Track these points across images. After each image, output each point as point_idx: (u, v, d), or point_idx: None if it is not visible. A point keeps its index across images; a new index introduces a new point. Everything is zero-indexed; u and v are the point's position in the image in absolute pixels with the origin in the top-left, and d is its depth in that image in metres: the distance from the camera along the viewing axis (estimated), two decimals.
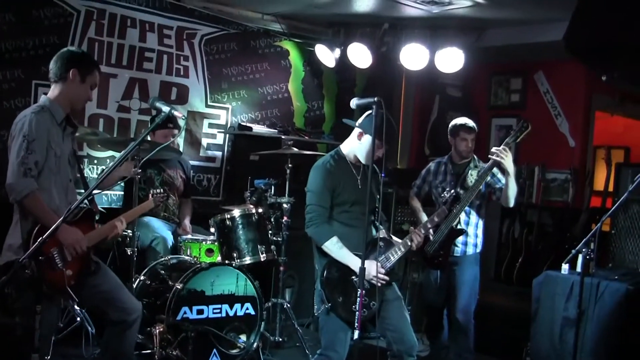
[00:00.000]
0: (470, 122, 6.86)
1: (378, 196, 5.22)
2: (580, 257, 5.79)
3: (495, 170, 6.41)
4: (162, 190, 6.00)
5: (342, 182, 5.21)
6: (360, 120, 5.29)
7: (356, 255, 4.99)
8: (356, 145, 5.29)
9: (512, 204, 6.49)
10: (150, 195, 6.00)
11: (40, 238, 3.82)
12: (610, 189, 8.15)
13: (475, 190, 6.34)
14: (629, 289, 5.98)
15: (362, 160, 5.29)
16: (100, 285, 4.88)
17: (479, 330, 6.88)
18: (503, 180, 6.47)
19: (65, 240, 4.50)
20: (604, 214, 6.09)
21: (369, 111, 5.00)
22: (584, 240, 5.55)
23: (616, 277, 6.26)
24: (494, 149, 6.26)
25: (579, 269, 6.04)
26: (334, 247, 5.05)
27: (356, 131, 5.27)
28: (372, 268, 5.02)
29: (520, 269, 8.64)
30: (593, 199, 9.03)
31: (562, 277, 6.43)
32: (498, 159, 6.19)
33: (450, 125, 6.96)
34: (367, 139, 5.15)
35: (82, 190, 5.80)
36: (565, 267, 6.42)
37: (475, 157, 6.87)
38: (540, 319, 6.57)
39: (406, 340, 5.27)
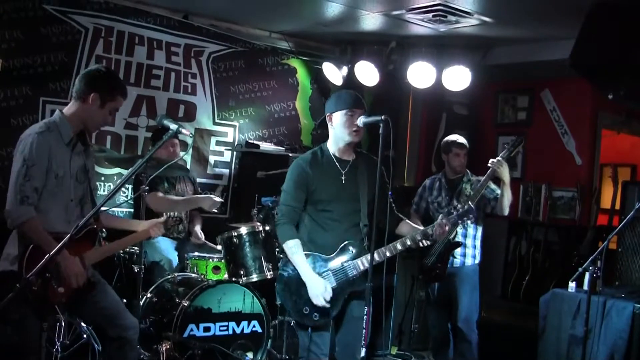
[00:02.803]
0: (461, 139, 7.04)
1: (380, 193, 4.87)
2: (587, 275, 5.81)
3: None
4: (175, 215, 5.89)
5: (319, 179, 4.95)
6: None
7: (327, 259, 4.86)
8: (332, 133, 5.04)
9: (506, 212, 6.69)
10: (164, 214, 5.86)
11: (48, 255, 3.81)
12: (617, 206, 8.14)
13: (471, 202, 6.41)
14: (635, 307, 5.97)
15: (346, 140, 4.94)
16: (99, 302, 4.85)
17: (485, 347, 6.88)
18: (496, 191, 6.69)
19: (66, 269, 4.47)
20: (610, 231, 6.10)
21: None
22: (591, 258, 5.56)
23: (623, 295, 6.25)
24: (491, 161, 6.48)
25: (585, 287, 6.04)
26: (289, 251, 4.87)
27: (327, 120, 5.03)
28: (318, 286, 4.78)
29: (527, 286, 8.64)
30: (600, 216, 9.01)
31: (569, 295, 6.43)
32: (495, 167, 6.41)
33: (442, 143, 7.16)
34: (337, 116, 4.93)
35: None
36: (572, 285, 6.42)
37: (468, 171, 7.04)
38: (547, 337, 6.56)
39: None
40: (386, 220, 4.79)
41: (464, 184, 6.86)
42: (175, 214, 6.01)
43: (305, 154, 5.15)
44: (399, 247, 4.89)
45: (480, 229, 6.90)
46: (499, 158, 6.49)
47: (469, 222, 5.51)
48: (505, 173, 6.47)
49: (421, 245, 5.00)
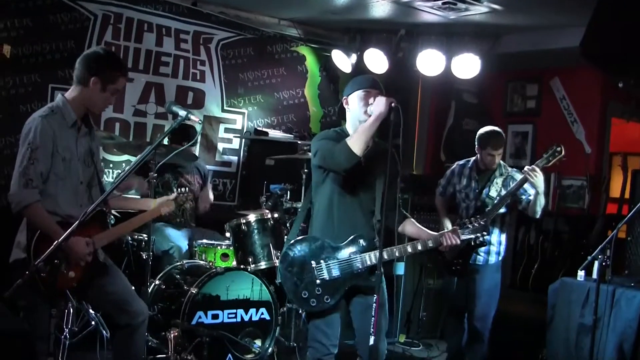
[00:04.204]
0: (500, 137, 6.65)
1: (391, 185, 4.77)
2: (596, 263, 5.78)
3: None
4: (186, 190, 5.83)
5: None
6: None
7: (335, 247, 4.78)
8: (350, 116, 4.97)
9: (538, 215, 6.44)
10: (175, 191, 5.78)
11: (56, 242, 3.81)
12: (627, 195, 8.12)
13: (500, 206, 6.32)
14: None
15: (361, 120, 4.76)
16: (107, 286, 4.82)
17: (494, 336, 6.86)
18: (529, 192, 6.41)
19: (71, 251, 4.48)
20: (620, 220, 6.07)
21: None
22: (600, 247, 5.54)
23: (632, 284, 6.22)
24: (526, 168, 6.19)
25: (594, 275, 6.01)
26: (351, 138, 4.61)
27: (344, 104, 4.98)
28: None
29: (536, 275, 8.63)
30: (609, 205, 9.00)
31: (578, 284, 6.41)
32: (529, 178, 6.16)
33: (478, 135, 6.71)
34: (353, 97, 4.88)
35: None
36: (581, 273, 6.39)
37: (502, 163, 6.73)
38: (556, 326, 6.54)
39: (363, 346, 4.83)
40: (394, 217, 4.84)
41: (496, 178, 6.62)
42: (185, 190, 5.90)
43: (327, 131, 5.05)
44: (409, 249, 4.87)
45: (505, 226, 6.75)
46: (534, 166, 6.18)
47: (481, 238, 5.35)
48: (539, 182, 6.17)
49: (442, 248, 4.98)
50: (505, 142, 6.80)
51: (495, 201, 6.41)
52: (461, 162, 6.97)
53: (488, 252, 6.56)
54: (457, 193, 6.87)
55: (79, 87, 4.66)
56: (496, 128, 6.69)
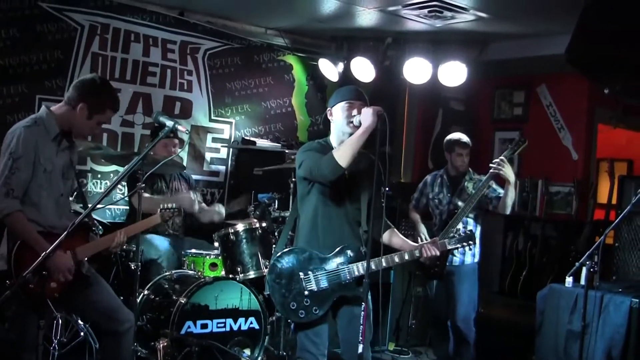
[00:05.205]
0: (465, 138, 6.96)
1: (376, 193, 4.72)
2: (584, 270, 5.79)
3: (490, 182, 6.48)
4: (172, 206, 5.83)
5: None
6: None
7: (323, 258, 4.78)
8: (334, 127, 4.96)
9: (508, 211, 6.60)
10: (158, 210, 5.70)
11: (44, 253, 3.81)
12: (614, 201, 8.14)
13: (472, 203, 6.42)
14: (633, 301, 5.96)
15: (346, 132, 4.77)
16: (91, 295, 4.84)
17: (483, 343, 6.88)
18: (498, 190, 6.65)
19: (54, 264, 4.45)
20: (607, 226, 6.08)
21: None
22: (588, 253, 5.55)
23: (620, 290, 6.24)
24: (493, 162, 6.36)
25: (582, 281, 6.02)
26: (338, 150, 4.62)
27: (328, 115, 5.00)
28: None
29: (524, 281, 8.64)
30: (597, 211, 9.03)
31: (566, 290, 6.42)
32: (497, 170, 6.27)
33: (445, 141, 7.06)
34: (337, 109, 4.89)
35: (79, 204, 5.84)
36: (569, 280, 6.40)
37: (470, 169, 6.97)
38: (545, 332, 6.56)
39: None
40: (380, 228, 4.87)
41: (466, 182, 6.80)
42: (170, 206, 5.87)
43: (311, 142, 5.05)
44: (397, 260, 4.85)
45: (479, 227, 6.86)
46: (501, 158, 6.35)
47: (467, 248, 5.40)
48: (509, 173, 6.33)
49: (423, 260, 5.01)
50: (470, 146, 7.00)
51: (466, 202, 6.50)
52: (433, 172, 7.27)
53: (464, 253, 6.78)
54: (430, 201, 7.11)
55: (68, 107, 4.69)
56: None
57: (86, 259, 4.76)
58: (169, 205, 5.73)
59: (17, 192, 4.42)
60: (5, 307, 4.36)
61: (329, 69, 8.94)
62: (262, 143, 8.67)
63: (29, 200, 4.50)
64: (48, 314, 4.61)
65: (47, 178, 4.60)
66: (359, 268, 4.74)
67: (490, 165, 6.37)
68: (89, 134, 4.89)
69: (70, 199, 5.24)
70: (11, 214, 4.40)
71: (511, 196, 6.49)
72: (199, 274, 6.57)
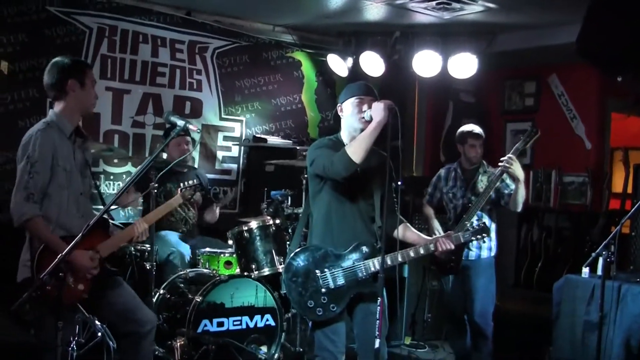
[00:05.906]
0: (477, 129, 6.86)
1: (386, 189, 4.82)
2: (600, 260, 5.75)
3: (504, 176, 6.41)
4: (192, 183, 5.82)
5: None
6: None
7: (338, 255, 4.77)
8: (344, 123, 4.92)
9: (519, 208, 6.50)
10: (178, 190, 5.77)
11: (60, 255, 3.82)
12: (629, 190, 8.10)
13: (485, 197, 6.36)
14: None
15: (357, 128, 4.75)
16: (111, 297, 4.86)
17: (499, 335, 6.85)
18: (511, 186, 6.51)
19: (75, 265, 4.48)
20: (623, 216, 6.04)
21: None
22: (604, 243, 5.51)
23: (638, 280, 6.21)
24: (502, 159, 6.28)
25: (599, 272, 5.98)
26: (350, 146, 4.60)
27: (339, 111, 4.97)
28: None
29: (539, 273, 8.62)
30: (612, 201, 8.99)
31: (582, 281, 6.39)
32: (506, 167, 6.22)
33: (457, 133, 6.97)
34: (347, 105, 4.86)
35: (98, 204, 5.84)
36: (585, 270, 6.37)
37: (484, 162, 6.87)
38: (562, 323, 6.52)
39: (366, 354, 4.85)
40: (392, 222, 4.85)
41: (480, 175, 6.73)
42: (190, 182, 5.89)
43: (322, 139, 5.02)
44: (412, 254, 4.81)
45: (494, 222, 6.80)
46: (509, 155, 6.25)
47: (481, 241, 5.35)
48: (517, 170, 6.25)
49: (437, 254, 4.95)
50: (484, 138, 6.87)
51: (479, 196, 6.46)
52: (446, 166, 7.15)
53: (480, 248, 6.65)
54: (444, 196, 7.00)
55: (62, 100, 4.69)
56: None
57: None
58: (188, 183, 5.75)
59: (37, 196, 4.44)
60: (26, 312, 4.37)
61: (338, 65, 8.92)
62: (273, 140, 8.67)
63: (51, 201, 4.52)
64: (71, 315, 4.63)
65: (68, 177, 4.62)
66: (374, 264, 4.72)
67: (500, 161, 6.31)
68: (94, 100, 4.87)
69: None
70: (32, 219, 4.42)
71: (521, 194, 6.38)
72: (214, 272, 6.59)
